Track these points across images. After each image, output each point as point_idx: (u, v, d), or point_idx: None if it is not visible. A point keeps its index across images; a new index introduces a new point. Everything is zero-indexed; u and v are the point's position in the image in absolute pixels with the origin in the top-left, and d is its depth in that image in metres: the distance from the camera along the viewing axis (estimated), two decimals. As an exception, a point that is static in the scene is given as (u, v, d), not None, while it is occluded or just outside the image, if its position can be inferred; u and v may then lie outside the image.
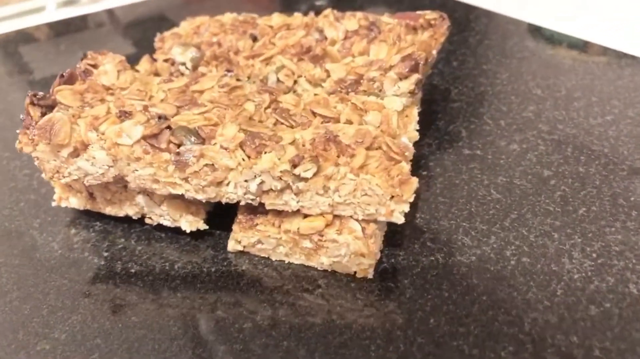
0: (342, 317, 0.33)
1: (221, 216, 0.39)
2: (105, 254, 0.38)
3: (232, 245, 0.38)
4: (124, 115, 0.36)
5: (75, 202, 0.40)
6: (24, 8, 0.87)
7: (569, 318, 0.32)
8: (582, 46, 0.63)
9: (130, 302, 0.35)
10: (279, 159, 0.33)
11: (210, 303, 0.34)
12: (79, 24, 0.77)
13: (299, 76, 0.44)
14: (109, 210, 0.40)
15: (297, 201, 0.35)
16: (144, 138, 0.34)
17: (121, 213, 0.40)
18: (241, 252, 0.38)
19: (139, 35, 0.71)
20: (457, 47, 0.65)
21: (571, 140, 0.48)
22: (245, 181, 0.34)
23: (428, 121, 0.50)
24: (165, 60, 0.47)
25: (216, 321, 0.33)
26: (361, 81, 0.42)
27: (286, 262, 0.37)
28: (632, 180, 0.43)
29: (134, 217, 0.40)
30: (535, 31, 0.68)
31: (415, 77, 0.42)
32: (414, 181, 0.33)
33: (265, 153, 0.34)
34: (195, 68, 0.46)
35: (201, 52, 0.46)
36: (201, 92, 0.40)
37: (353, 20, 0.48)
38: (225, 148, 0.34)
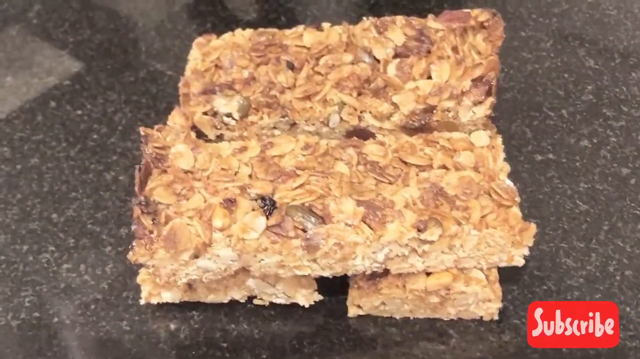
0: (485, 362, 0.57)
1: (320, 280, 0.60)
2: (225, 345, 0.59)
3: (353, 311, 0.60)
4: (230, 204, 0.56)
5: (170, 296, 0.60)
6: None
7: (679, 323, 0.58)
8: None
9: (279, 389, 0.56)
10: (403, 226, 0.55)
11: (358, 374, 0.57)
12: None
13: (362, 111, 0.65)
14: (211, 298, 0.60)
15: (423, 262, 0.57)
16: (268, 228, 0.55)
17: (225, 299, 0.60)
18: (361, 315, 0.60)
19: (72, 38, 0.87)
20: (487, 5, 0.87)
21: None
22: (373, 252, 0.56)
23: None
24: (204, 113, 0.66)
25: (372, 390, 0.56)
26: (434, 111, 0.64)
27: (411, 318, 0.60)
28: None
29: (241, 300, 0.60)
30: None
31: (490, 101, 0.64)
32: (533, 228, 0.56)
33: (388, 222, 0.55)
34: (243, 117, 0.65)
35: (245, 99, 0.65)
36: (281, 156, 0.60)
37: (397, 30, 0.69)
38: (350, 225, 0.55)
